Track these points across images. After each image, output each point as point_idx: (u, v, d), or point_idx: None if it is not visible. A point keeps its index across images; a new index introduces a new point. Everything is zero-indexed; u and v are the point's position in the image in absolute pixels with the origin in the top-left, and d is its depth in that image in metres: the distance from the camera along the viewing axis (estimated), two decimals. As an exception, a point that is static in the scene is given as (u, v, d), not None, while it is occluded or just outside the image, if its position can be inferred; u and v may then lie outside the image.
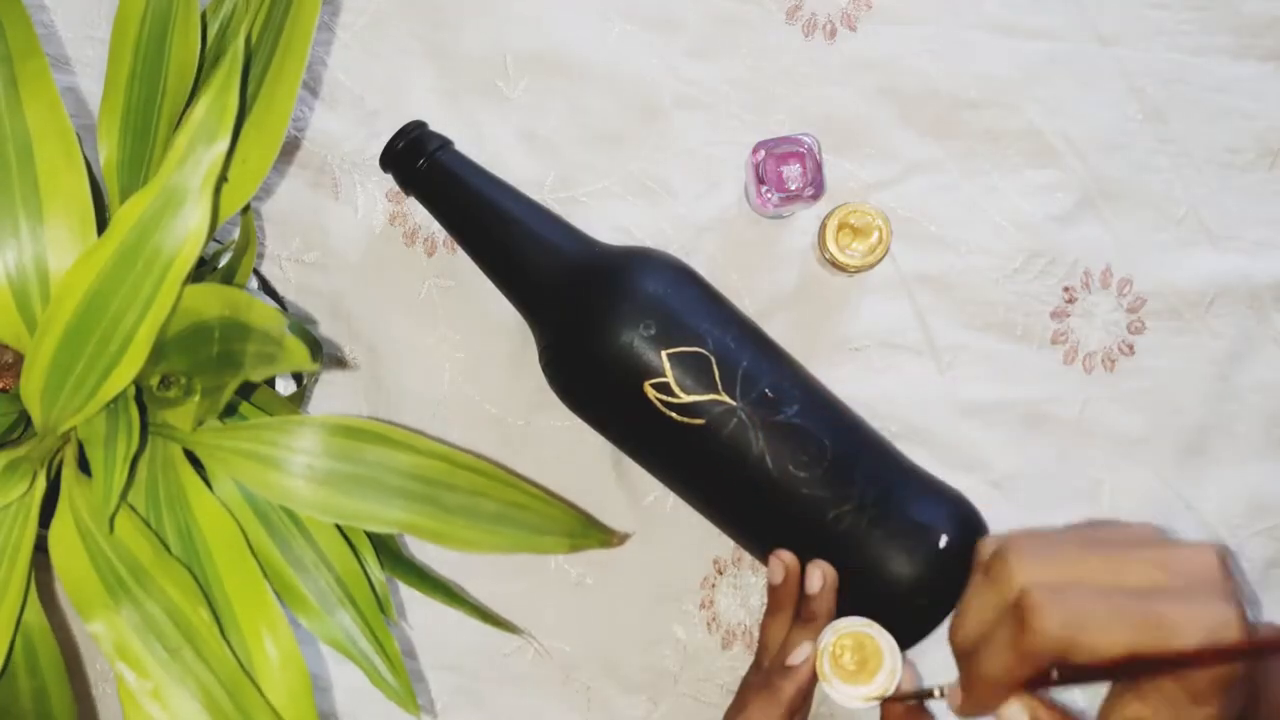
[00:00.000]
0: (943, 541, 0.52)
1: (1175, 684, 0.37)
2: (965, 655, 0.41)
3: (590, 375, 0.54)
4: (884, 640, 0.50)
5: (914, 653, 0.58)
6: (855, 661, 0.50)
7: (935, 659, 0.58)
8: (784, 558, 0.53)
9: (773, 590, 0.54)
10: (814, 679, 0.51)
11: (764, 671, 0.54)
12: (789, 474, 0.52)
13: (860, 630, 0.50)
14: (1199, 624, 0.36)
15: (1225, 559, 0.38)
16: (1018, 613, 0.37)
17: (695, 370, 0.52)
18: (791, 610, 0.53)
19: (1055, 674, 0.37)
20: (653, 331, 0.52)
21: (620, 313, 0.53)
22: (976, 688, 0.40)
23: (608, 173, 0.62)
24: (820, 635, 0.51)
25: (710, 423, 0.52)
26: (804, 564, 0.53)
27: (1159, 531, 0.41)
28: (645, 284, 0.54)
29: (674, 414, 0.52)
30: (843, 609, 0.52)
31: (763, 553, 0.56)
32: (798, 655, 0.51)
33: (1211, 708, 0.37)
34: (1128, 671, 0.36)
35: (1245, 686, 0.37)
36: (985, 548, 0.42)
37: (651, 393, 0.52)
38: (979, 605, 0.40)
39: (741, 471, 0.52)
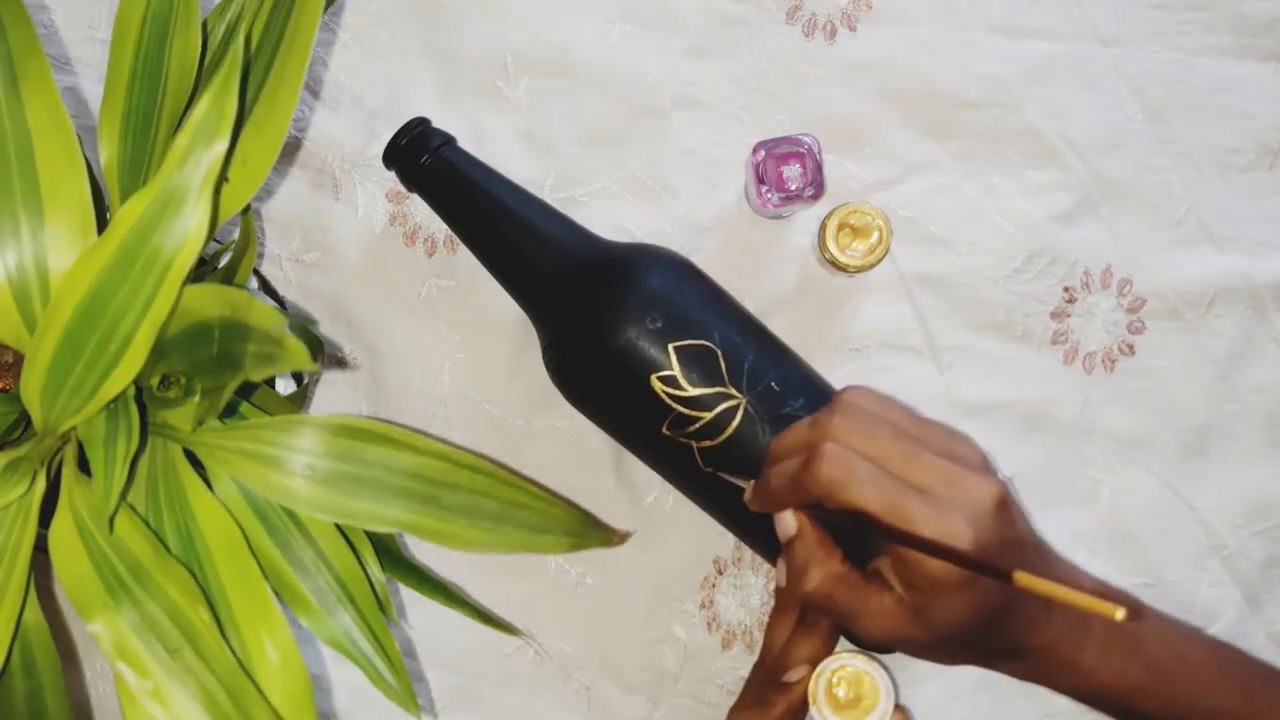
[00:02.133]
0: None
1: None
2: (772, 461, 0.49)
3: (596, 370, 0.54)
4: (882, 682, 0.50)
5: (911, 681, 0.58)
6: (849, 695, 0.50)
7: (934, 687, 0.58)
8: None
9: (779, 592, 0.54)
10: (806, 700, 0.51)
11: (761, 680, 0.54)
12: None
13: (861, 667, 0.50)
14: (931, 528, 0.43)
15: (1003, 502, 0.45)
16: (810, 454, 0.45)
17: (701, 363, 0.52)
18: (796, 613, 0.53)
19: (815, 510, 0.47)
20: (659, 325, 0.53)
21: (626, 307, 0.53)
22: (764, 492, 0.49)
23: (608, 173, 0.62)
24: (823, 661, 0.51)
25: (717, 416, 0.52)
26: None
27: (978, 456, 0.47)
28: (650, 279, 0.54)
29: (680, 407, 0.52)
30: None
31: (768, 550, 0.56)
32: (794, 674, 0.51)
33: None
34: (863, 526, 0.44)
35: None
36: (840, 394, 0.48)
37: (658, 386, 0.52)
38: (800, 431, 0.48)
39: (748, 465, 0.52)
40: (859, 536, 0.47)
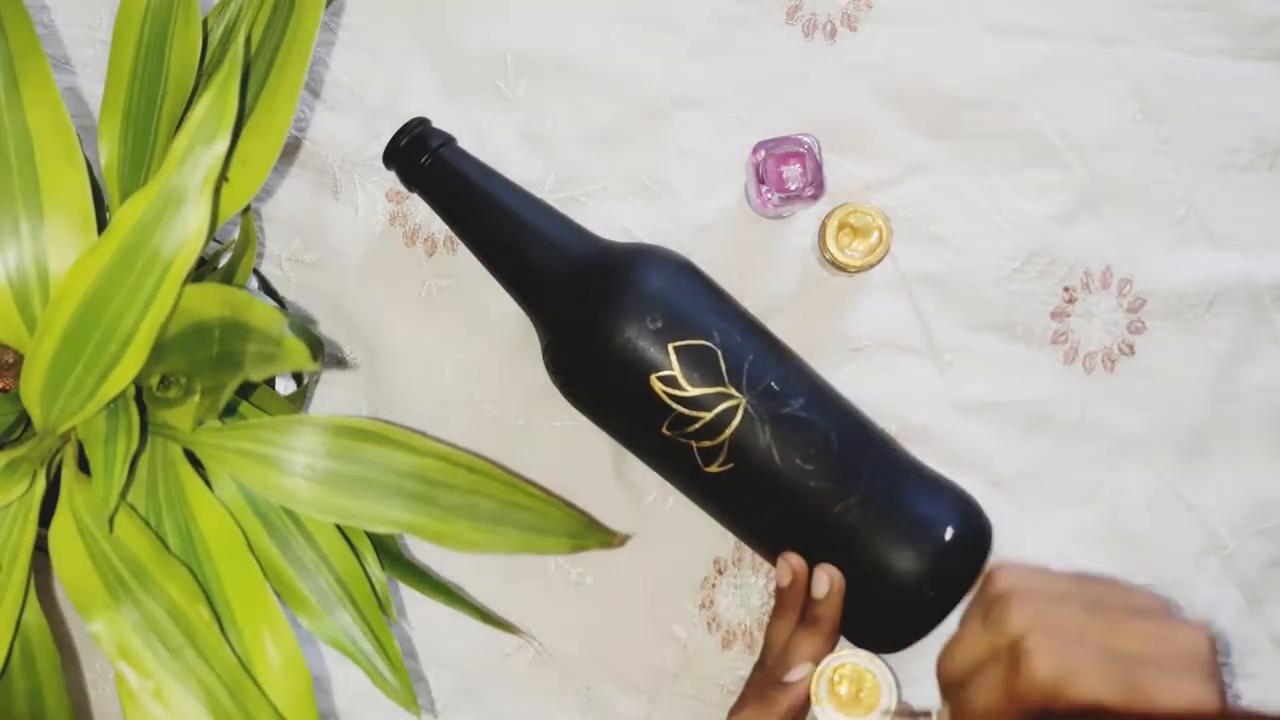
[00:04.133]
0: (948, 535, 0.52)
1: None
2: (953, 686, 0.42)
3: (596, 370, 0.54)
4: (884, 678, 0.50)
5: (911, 681, 0.58)
6: (851, 692, 0.50)
7: (934, 687, 0.58)
8: (791, 561, 0.53)
9: (780, 592, 0.54)
10: (808, 698, 0.51)
11: (762, 680, 0.54)
12: (795, 466, 0.52)
13: (862, 664, 0.50)
14: (1179, 697, 0.38)
15: (1214, 642, 0.40)
16: (1013, 654, 0.39)
17: (701, 363, 0.52)
18: (797, 613, 0.53)
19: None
20: (659, 325, 0.53)
21: (626, 307, 0.53)
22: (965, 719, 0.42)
23: (608, 173, 0.62)
24: (824, 659, 0.51)
25: (717, 416, 0.52)
26: (812, 566, 0.53)
27: (1160, 601, 0.42)
28: (650, 278, 0.54)
29: (680, 407, 0.52)
30: (849, 604, 0.52)
31: (768, 550, 0.56)
32: (796, 673, 0.51)
33: None
34: None
35: None
36: (991, 583, 0.43)
37: (658, 386, 0.52)
38: (973, 639, 0.42)
39: (747, 464, 0.52)
40: None
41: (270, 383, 0.54)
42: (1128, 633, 0.40)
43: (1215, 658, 0.40)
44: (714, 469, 0.53)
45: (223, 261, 0.51)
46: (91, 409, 0.42)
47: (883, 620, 0.53)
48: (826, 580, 0.52)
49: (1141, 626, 0.40)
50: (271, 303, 0.58)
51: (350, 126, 0.62)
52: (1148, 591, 0.44)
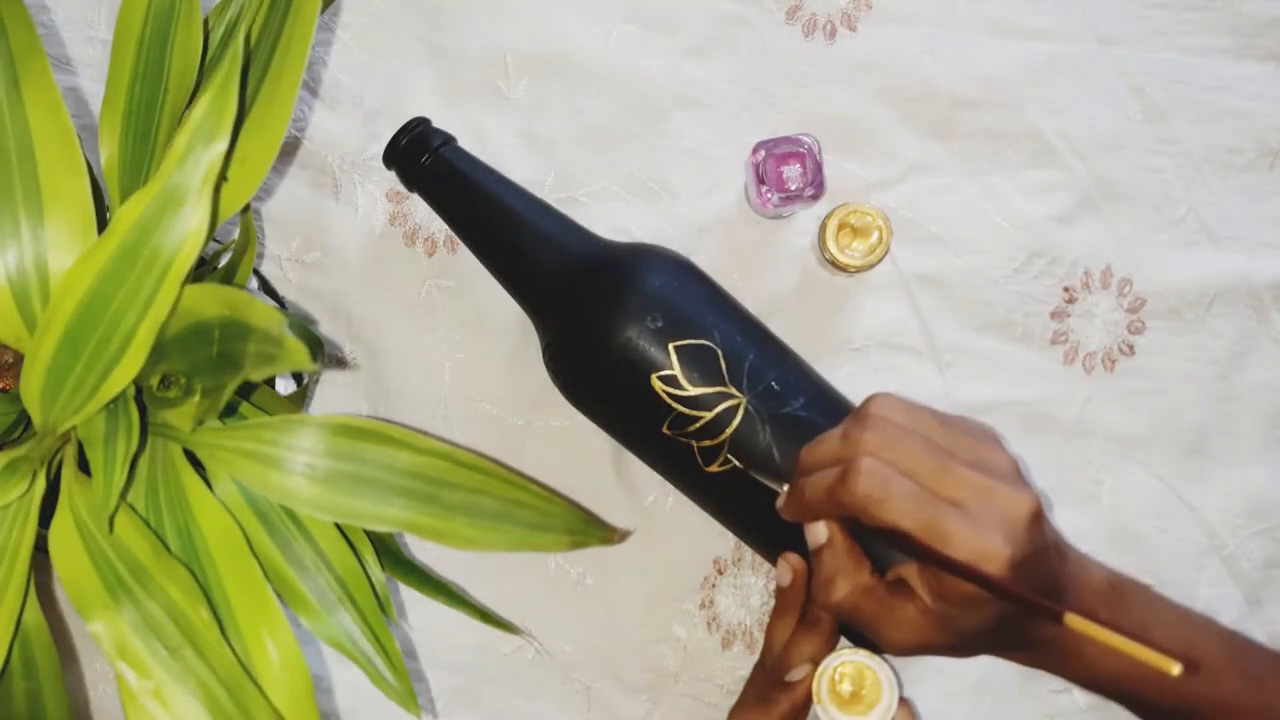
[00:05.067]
0: None
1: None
2: (801, 472, 0.49)
3: (596, 370, 0.54)
4: (884, 675, 0.50)
5: (911, 681, 0.58)
6: (852, 691, 0.50)
7: (934, 687, 0.58)
8: (791, 561, 0.53)
9: (780, 592, 0.54)
10: (809, 698, 0.51)
11: (762, 680, 0.54)
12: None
13: (863, 662, 0.50)
14: (968, 546, 0.43)
15: (1037, 514, 0.45)
16: (846, 469, 0.45)
17: (702, 363, 0.52)
18: (797, 613, 0.53)
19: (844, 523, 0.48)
20: (659, 325, 0.53)
21: (627, 306, 0.53)
22: (797, 503, 0.48)
23: (608, 173, 0.62)
24: (825, 658, 0.51)
25: (717, 415, 0.52)
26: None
27: (1009, 461, 0.47)
28: (651, 278, 0.54)
29: (681, 406, 0.52)
30: None
31: (768, 550, 0.56)
32: (796, 673, 0.51)
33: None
34: (900, 546, 0.44)
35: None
36: (867, 404, 0.48)
37: (658, 386, 0.52)
38: (831, 444, 0.48)
39: (748, 464, 0.52)
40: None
41: (270, 383, 0.54)
42: (956, 479, 0.44)
43: (1034, 526, 0.44)
44: (714, 469, 0.53)
45: (223, 261, 0.51)
46: (91, 409, 0.42)
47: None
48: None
49: (972, 477, 0.45)
50: (271, 303, 0.58)
51: (350, 126, 0.62)
52: (1002, 450, 0.47)
